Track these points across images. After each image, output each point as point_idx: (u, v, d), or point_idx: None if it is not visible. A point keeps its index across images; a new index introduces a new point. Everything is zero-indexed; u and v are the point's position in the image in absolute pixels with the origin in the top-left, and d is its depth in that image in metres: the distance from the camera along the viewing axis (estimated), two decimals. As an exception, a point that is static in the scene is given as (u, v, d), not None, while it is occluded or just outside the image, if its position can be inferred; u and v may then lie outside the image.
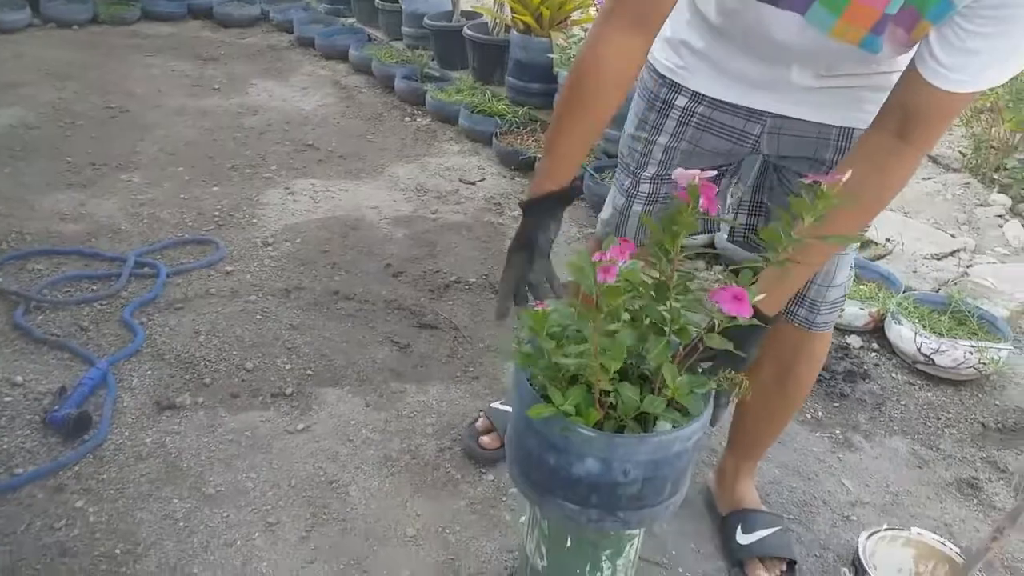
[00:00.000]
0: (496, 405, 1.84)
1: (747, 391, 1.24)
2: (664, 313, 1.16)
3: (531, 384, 1.20)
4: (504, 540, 1.59)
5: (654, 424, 1.20)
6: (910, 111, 1.17)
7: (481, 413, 1.85)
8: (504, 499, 1.70)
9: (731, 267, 1.63)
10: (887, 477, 1.87)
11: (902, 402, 2.16)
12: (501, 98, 3.93)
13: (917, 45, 1.16)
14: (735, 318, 1.08)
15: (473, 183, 3.35)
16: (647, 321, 1.19)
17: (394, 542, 1.57)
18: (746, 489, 1.68)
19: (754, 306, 1.12)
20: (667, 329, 1.16)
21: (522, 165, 3.44)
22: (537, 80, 3.81)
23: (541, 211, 1.29)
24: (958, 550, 1.35)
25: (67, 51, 4.65)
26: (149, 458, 1.72)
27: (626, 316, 1.20)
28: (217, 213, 2.89)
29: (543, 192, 1.28)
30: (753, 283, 1.13)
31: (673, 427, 1.17)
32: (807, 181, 1.08)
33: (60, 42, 4.81)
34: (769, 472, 1.84)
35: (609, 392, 1.17)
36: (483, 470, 1.77)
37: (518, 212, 3.11)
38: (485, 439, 1.80)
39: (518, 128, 3.70)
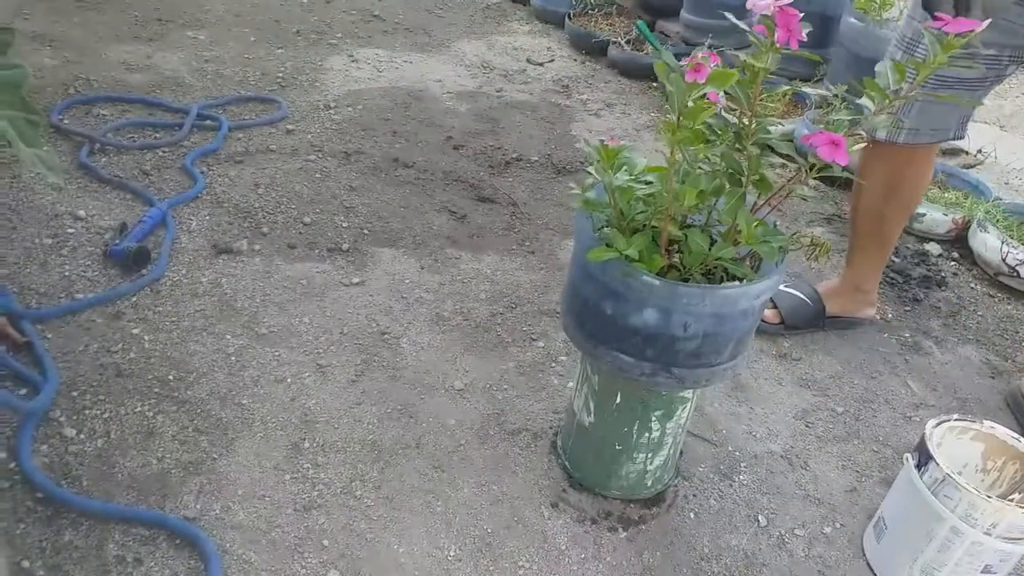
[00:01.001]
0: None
1: (826, 253, 1.16)
2: (742, 161, 1.08)
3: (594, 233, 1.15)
4: (551, 402, 1.57)
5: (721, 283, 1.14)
6: None
7: None
8: (553, 365, 1.67)
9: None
10: (956, 383, 1.79)
11: (979, 312, 2.05)
12: (577, -21, 3.74)
13: None
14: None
15: (541, 64, 3.23)
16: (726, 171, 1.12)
17: (441, 393, 1.55)
18: (848, 302, 1.85)
19: None
20: (744, 179, 1.08)
21: (594, 49, 3.29)
22: (617, -38, 3.61)
23: None
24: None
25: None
26: (204, 296, 1.73)
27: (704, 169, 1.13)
28: (281, 75, 2.84)
29: None
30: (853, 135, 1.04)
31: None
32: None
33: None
34: (831, 366, 1.77)
35: (676, 243, 1.11)
36: (534, 337, 1.74)
37: (586, 96, 3.00)
38: (768, 313, 1.81)
39: (593, 10, 3.54)
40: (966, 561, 1.20)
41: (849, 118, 1.04)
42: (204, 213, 2.01)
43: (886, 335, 1.91)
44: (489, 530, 1.30)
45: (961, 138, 1.59)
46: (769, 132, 1.07)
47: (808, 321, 1.81)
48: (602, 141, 1.12)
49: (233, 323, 1.66)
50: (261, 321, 1.68)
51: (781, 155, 1.42)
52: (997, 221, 2.17)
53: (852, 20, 2.68)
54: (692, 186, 1.04)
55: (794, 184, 1.07)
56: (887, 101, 1.01)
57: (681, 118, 1.00)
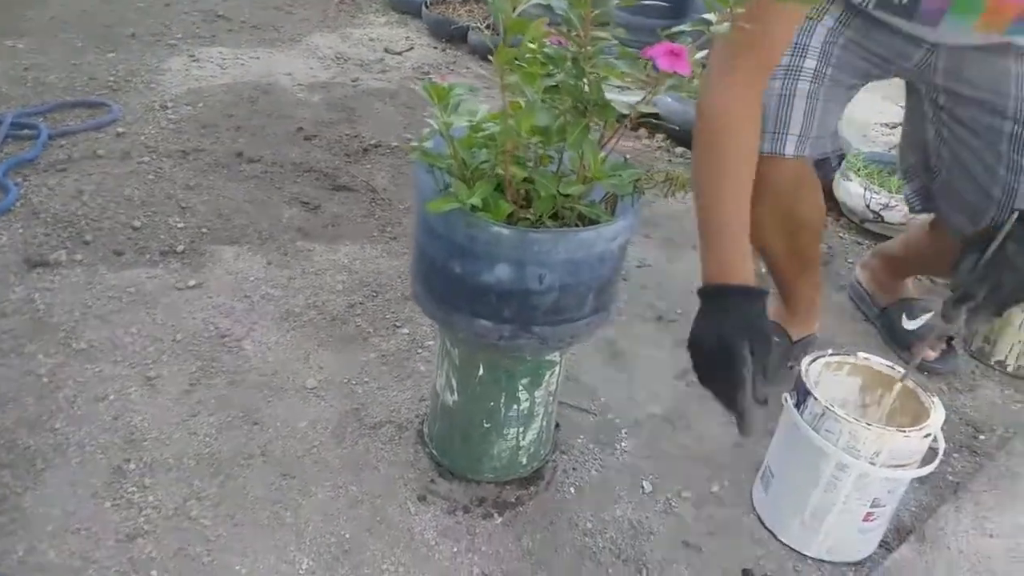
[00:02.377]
0: None
1: (682, 187, 1.08)
2: (587, 87, 0.98)
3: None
4: (417, 390, 1.43)
5: (574, 226, 1.04)
6: None
7: None
8: (420, 351, 1.54)
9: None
10: (831, 329, 1.76)
11: (848, 260, 2.05)
12: (431, -32, 3.64)
13: None
14: None
15: (400, 53, 3.10)
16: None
17: (291, 394, 1.39)
18: (902, 281, 1.75)
19: None
20: (589, 106, 0.98)
21: (454, 35, 3.19)
22: (470, -54, 3.52)
23: (733, 309, 1.05)
24: (903, 370, 1.24)
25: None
26: (13, 315, 1.51)
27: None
28: (112, 78, 2.60)
29: (733, 282, 1.06)
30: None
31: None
32: None
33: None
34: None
35: (526, 192, 1.00)
36: (398, 324, 1.61)
37: (448, 81, 2.89)
38: None
39: (450, -2, 3.44)
40: (854, 497, 1.13)
41: (691, 28, 0.96)
42: (17, 226, 1.78)
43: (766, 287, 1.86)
44: (347, 535, 1.15)
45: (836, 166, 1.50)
46: (608, 54, 0.97)
47: (785, 357, 1.57)
48: (431, 79, 1.00)
49: (46, 341, 1.45)
50: (80, 336, 1.47)
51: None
52: (859, 170, 2.18)
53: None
54: (525, 117, 0.93)
55: (643, 106, 0.97)
56: (728, 7, 0.92)
57: (508, 33, 0.88)
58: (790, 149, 1.29)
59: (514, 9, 0.87)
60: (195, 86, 2.61)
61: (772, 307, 1.64)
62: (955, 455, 1.46)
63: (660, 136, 2.57)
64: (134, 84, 2.58)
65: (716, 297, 1.08)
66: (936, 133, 1.40)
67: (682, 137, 2.50)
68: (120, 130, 2.26)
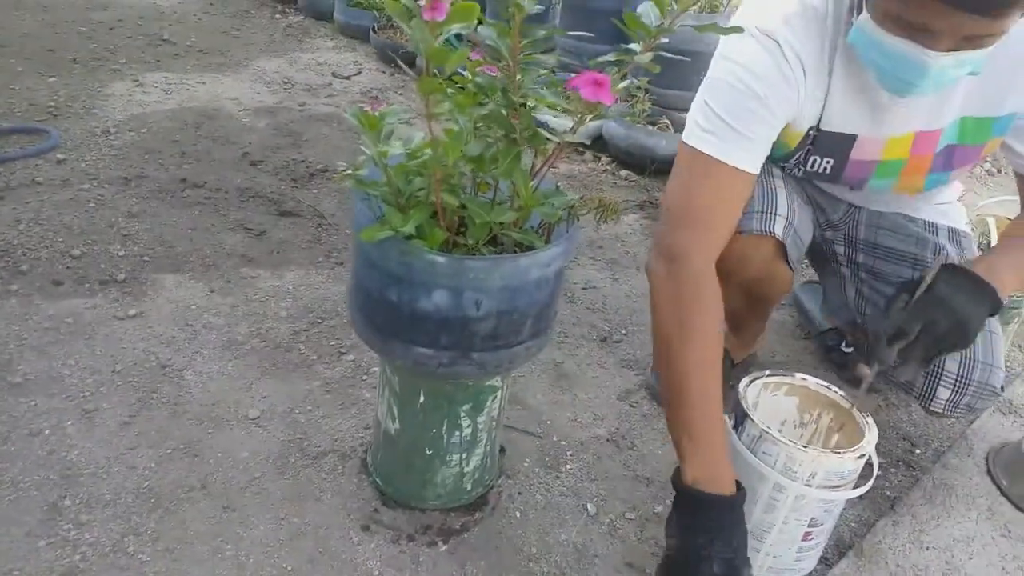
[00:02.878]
0: None
1: (614, 214, 1.10)
2: (512, 118, 0.99)
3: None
4: (362, 418, 1.43)
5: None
6: None
7: None
8: (365, 378, 1.53)
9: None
10: (773, 347, 1.79)
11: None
12: (380, -8, 3.66)
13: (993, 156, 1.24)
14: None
15: (347, 78, 3.10)
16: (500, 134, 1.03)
17: (233, 424, 1.38)
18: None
19: (984, 279, 1.16)
20: (519, 135, 1.00)
21: (401, 60, 3.20)
22: (418, -28, 3.55)
23: (705, 518, 1.02)
24: (840, 392, 1.27)
25: None
26: (-57, 349, 1.47)
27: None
28: (52, 103, 2.56)
29: (711, 490, 1.02)
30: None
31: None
32: None
33: None
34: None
35: (454, 209, 1.01)
36: (343, 351, 1.60)
37: (399, 104, 2.90)
38: None
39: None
40: (792, 518, 1.16)
41: (615, 60, 0.98)
42: (-52, 257, 1.74)
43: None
44: (289, 568, 1.13)
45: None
46: (535, 84, 0.99)
47: (725, 379, 1.53)
48: (360, 106, 1.00)
49: (-21, 375, 1.42)
50: (15, 369, 1.44)
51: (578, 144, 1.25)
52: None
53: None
54: (453, 146, 0.94)
55: (570, 136, 0.99)
56: (651, 37, 0.95)
57: (431, 62, 0.89)
58: (779, 229, 1.29)
59: (436, 38, 0.88)
60: (139, 111, 2.58)
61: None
62: (892, 470, 1.50)
63: (605, 159, 2.61)
64: (75, 109, 2.55)
65: (697, 504, 1.03)
66: (857, 292, 1.46)
67: (626, 160, 2.54)
68: (60, 156, 2.23)
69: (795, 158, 1.29)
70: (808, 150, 1.26)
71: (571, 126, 0.99)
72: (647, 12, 0.97)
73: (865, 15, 1.02)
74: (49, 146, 2.27)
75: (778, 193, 1.32)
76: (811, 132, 1.24)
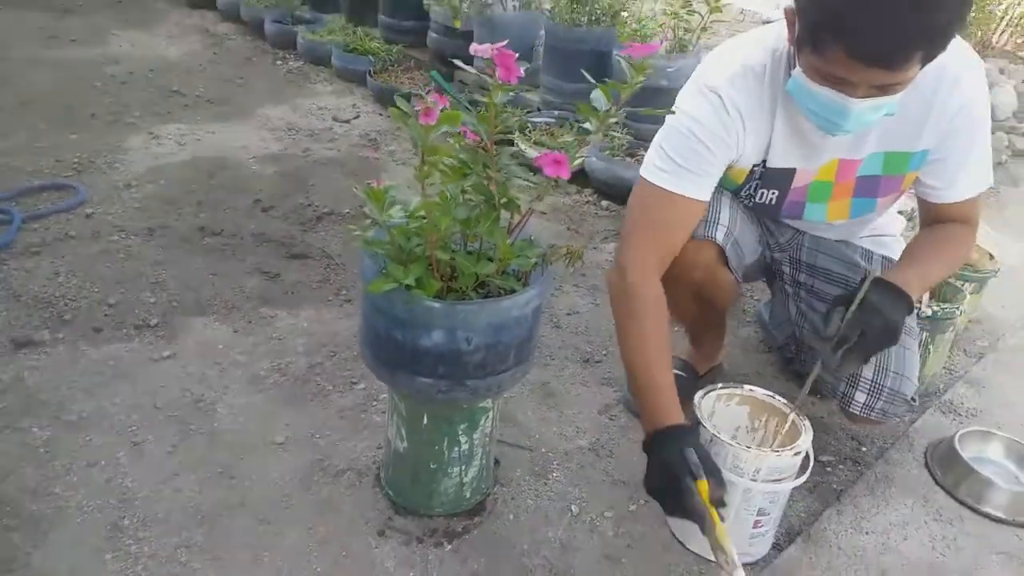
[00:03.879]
0: None
1: (579, 258, 1.31)
2: (491, 187, 1.21)
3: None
4: (373, 439, 1.63)
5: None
6: (944, 219, 1.49)
7: None
8: (375, 404, 1.74)
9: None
10: (738, 361, 2.00)
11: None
12: (374, 37, 3.90)
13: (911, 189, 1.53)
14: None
15: (347, 121, 3.33)
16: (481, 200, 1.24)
17: (262, 449, 1.59)
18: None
19: (903, 289, 1.36)
20: (496, 201, 1.21)
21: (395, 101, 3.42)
22: (410, 17, 3.80)
23: (669, 446, 1.29)
24: (783, 400, 1.47)
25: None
26: (5, 393, 1.68)
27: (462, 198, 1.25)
28: (76, 160, 2.78)
29: (663, 425, 1.31)
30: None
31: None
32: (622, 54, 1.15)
33: None
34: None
35: (446, 263, 1.22)
36: (355, 380, 1.81)
37: (393, 147, 3.12)
38: None
39: (393, 66, 3.68)
40: (743, 508, 1.36)
41: (573, 138, 1.19)
42: (1, 309, 1.95)
43: (678, 330, 2.10)
44: (319, 570, 1.34)
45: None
46: (510, 162, 1.20)
47: (691, 390, 1.68)
48: (369, 184, 1.22)
49: (39, 415, 1.63)
50: (69, 409, 1.65)
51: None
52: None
53: (619, 54, 2.96)
54: (444, 214, 1.16)
55: (536, 203, 1.21)
56: (601, 120, 1.17)
57: (425, 156, 1.11)
58: (720, 236, 1.52)
59: (428, 135, 1.10)
60: (155, 164, 2.80)
61: (685, 347, 1.88)
62: (840, 466, 1.70)
63: (588, 191, 2.83)
64: (98, 164, 2.77)
65: (655, 443, 1.31)
66: (797, 308, 1.69)
67: (607, 191, 2.76)
68: (89, 211, 2.44)
69: (744, 191, 1.53)
70: (756, 184, 1.50)
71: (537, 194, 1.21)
72: (598, 98, 1.19)
73: (799, 70, 1.26)
74: (77, 201, 2.49)
75: (723, 208, 1.55)
76: (756, 168, 1.47)
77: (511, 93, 1.17)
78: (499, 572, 1.37)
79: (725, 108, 1.37)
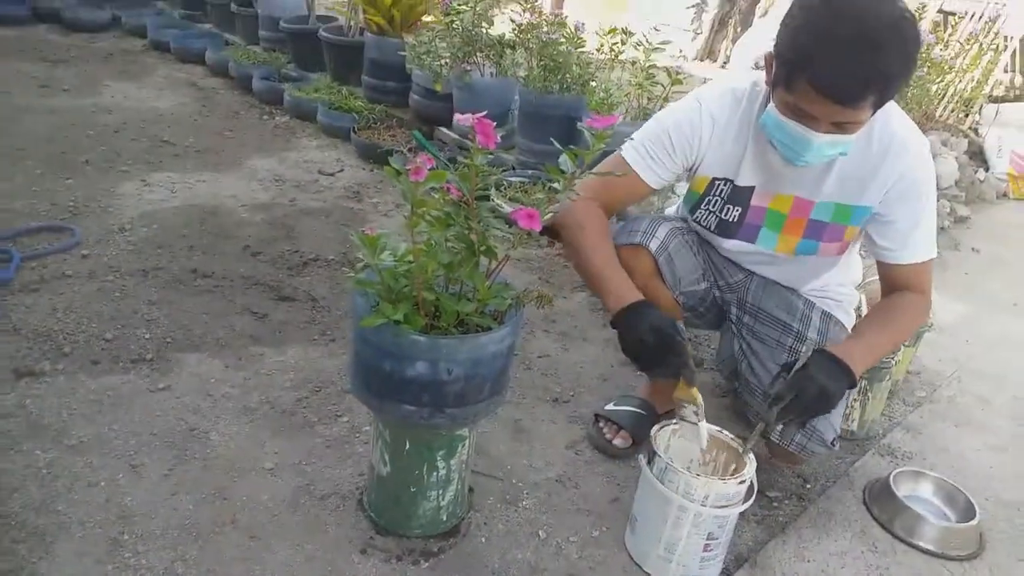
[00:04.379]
0: (609, 407, 1.97)
1: (549, 302, 1.47)
2: (472, 236, 1.37)
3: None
4: (357, 467, 1.76)
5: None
6: (898, 285, 1.69)
7: (599, 418, 1.95)
8: (358, 435, 1.86)
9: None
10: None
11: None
12: (358, 96, 4.10)
13: (854, 244, 1.78)
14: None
15: (332, 174, 3.50)
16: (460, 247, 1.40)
17: (253, 474, 1.70)
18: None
19: (838, 355, 1.55)
20: (476, 249, 1.37)
21: (380, 158, 3.61)
22: (392, 78, 4.00)
23: (645, 312, 1.56)
24: (732, 436, 1.63)
25: (-101, 51, 4.45)
26: (9, 418, 1.78)
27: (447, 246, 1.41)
28: (72, 203, 2.91)
29: (629, 301, 1.58)
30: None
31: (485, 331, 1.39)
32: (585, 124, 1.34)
33: None
34: (595, 403, 2.08)
35: (430, 302, 1.38)
36: (339, 413, 1.94)
37: (376, 199, 3.29)
38: (617, 441, 1.90)
39: (375, 124, 3.88)
40: (694, 532, 1.50)
41: (543, 195, 1.37)
42: (2, 342, 2.05)
43: (639, 374, 2.26)
44: (305, 582, 1.45)
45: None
46: (488, 215, 1.37)
47: (649, 428, 1.76)
48: (362, 231, 1.38)
49: (42, 439, 1.73)
50: (70, 433, 1.76)
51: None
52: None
53: (619, 118, 3.18)
54: (430, 259, 1.32)
55: (512, 251, 1.38)
56: (567, 181, 1.35)
57: (414, 208, 1.28)
58: (654, 246, 1.77)
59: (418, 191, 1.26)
60: (148, 209, 2.94)
61: (640, 386, 2.04)
62: (786, 501, 1.86)
63: (559, 244, 3.00)
64: (92, 208, 2.90)
65: (628, 315, 1.57)
66: (739, 346, 1.88)
67: (577, 246, 2.94)
68: (84, 252, 2.56)
69: (706, 205, 1.76)
70: (722, 200, 1.74)
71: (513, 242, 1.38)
72: (564, 162, 1.37)
73: (771, 105, 1.51)
74: (73, 243, 2.61)
75: (660, 227, 1.80)
76: (720, 183, 1.72)
77: (490, 156, 1.34)
78: (472, 588, 1.49)
79: (701, 113, 1.66)
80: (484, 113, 1.30)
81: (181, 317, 2.26)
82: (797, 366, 1.58)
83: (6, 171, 3.11)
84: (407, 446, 1.50)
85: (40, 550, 1.45)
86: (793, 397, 1.53)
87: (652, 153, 1.68)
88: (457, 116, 1.32)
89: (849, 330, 1.82)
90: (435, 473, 1.52)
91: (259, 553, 1.50)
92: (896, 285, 1.69)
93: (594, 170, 1.64)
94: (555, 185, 1.37)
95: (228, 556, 1.49)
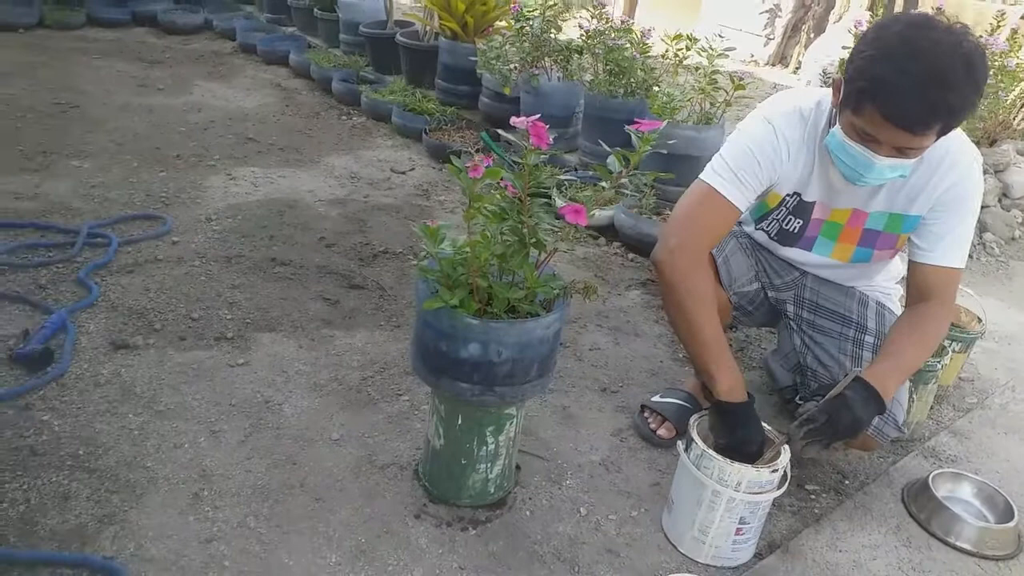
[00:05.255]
0: (656, 399, 2.06)
1: (594, 293, 1.58)
2: (524, 230, 1.49)
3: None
4: (414, 442, 1.89)
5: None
6: (927, 289, 1.72)
7: (645, 408, 2.05)
8: (416, 413, 2.00)
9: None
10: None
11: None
12: (431, 99, 4.27)
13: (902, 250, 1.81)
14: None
15: (403, 172, 3.67)
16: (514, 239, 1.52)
17: (320, 444, 1.86)
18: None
19: (874, 386, 1.60)
20: (526, 241, 1.49)
21: (449, 158, 3.76)
22: (464, 82, 4.15)
23: (746, 418, 1.67)
24: (769, 428, 1.70)
25: (13, 52, 4.84)
26: (106, 385, 1.98)
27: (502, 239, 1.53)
28: (164, 194, 3.14)
29: (739, 400, 1.67)
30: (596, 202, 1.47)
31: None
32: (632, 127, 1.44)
33: (5, 44, 4.99)
34: (643, 395, 2.17)
35: (484, 288, 1.50)
36: (400, 392, 2.08)
37: (443, 197, 3.44)
38: (662, 431, 2.00)
39: (446, 125, 4.04)
40: (727, 516, 1.58)
41: (589, 193, 1.47)
42: (101, 317, 2.27)
43: (687, 368, 2.34)
44: (364, 540, 1.59)
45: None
46: (539, 210, 1.48)
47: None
48: (425, 223, 1.51)
49: (134, 404, 1.92)
50: (159, 401, 1.94)
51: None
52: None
53: (665, 122, 3.26)
54: (484, 248, 1.44)
55: (559, 243, 1.48)
56: (613, 180, 1.45)
57: (471, 202, 1.40)
58: (713, 250, 1.87)
59: (476, 186, 1.39)
60: (233, 202, 3.15)
61: (690, 382, 2.12)
62: (824, 495, 1.91)
63: (616, 244, 3.10)
64: (182, 199, 3.13)
65: (735, 411, 1.66)
66: (801, 340, 1.95)
67: (634, 245, 3.03)
68: (175, 239, 2.78)
69: (773, 216, 1.84)
70: (787, 212, 1.82)
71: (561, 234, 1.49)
72: (612, 163, 1.47)
73: (837, 127, 1.59)
74: (165, 230, 2.83)
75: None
76: (789, 199, 1.80)
77: (543, 156, 1.45)
78: (514, 555, 1.61)
79: (776, 136, 1.71)
80: (537, 116, 1.41)
81: (260, 301, 2.45)
82: (834, 391, 1.63)
83: (105, 164, 3.38)
84: (459, 421, 1.62)
85: (131, 500, 1.63)
86: (825, 420, 1.60)
87: (740, 177, 1.69)
88: (513, 119, 1.43)
89: None
90: (484, 448, 1.64)
91: (323, 513, 1.65)
92: (924, 288, 1.73)
93: (679, 206, 1.76)
94: (602, 183, 1.48)
95: (295, 514, 1.64)
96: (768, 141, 1.70)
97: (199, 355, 2.15)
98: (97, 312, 2.29)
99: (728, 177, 1.70)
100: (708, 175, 1.73)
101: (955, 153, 1.66)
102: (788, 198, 1.80)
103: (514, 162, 1.60)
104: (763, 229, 1.89)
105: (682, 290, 1.68)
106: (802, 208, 1.80)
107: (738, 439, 1.64)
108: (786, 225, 1.83)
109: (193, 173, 3.40)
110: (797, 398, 2.18)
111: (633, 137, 1.44)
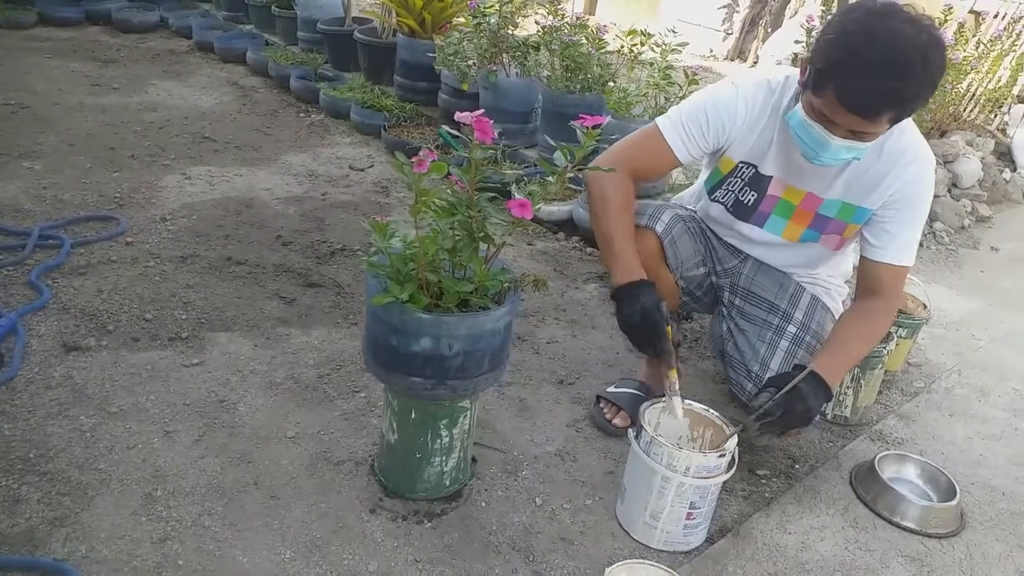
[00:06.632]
0: (611, 389, 2.08)
1: (544, 286, 1.60)
2: (472, 224, 1.50)
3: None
4: (371, 437, 1.90)
5: (472, 311, 1.54)
6: (875, 284, 1.79)
7: (600, 399, 2.07)
8: (373, 409, 2.01)
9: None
10: (697, 390, 2.27)
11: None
12: (390, 95, 4.26)
13: (850, 242, 1.88)
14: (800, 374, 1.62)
15: (362, 169, 3.66)
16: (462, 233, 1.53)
17: (276, 441, 1.86)
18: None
19: (823, 376, 1.66)
20: (475, 235, 1.50)
21: (409, 154, 3.75)
22: (422, 79, 4.15)
23: (642, 294, 1.70)
24: (717, 414, 1.73)
25: (-38, 52, 4.73)
26: (57, 387, 1.96)
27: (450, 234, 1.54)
28: (118, 195, 3.10)
29: (633, 279, 1.72)
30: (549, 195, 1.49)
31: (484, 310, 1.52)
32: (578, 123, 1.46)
33: (-46, 43, 4.88)
34: (599, 387, 2.19)
35: (434, 283, 1.51)
36: (357, 389, 2.08)
37: (403, 194, 3.44)
38: (617, 421, 2.01)
39: (405, 122, 4.03)
40: (677, 502, 1.62)
41: (536, 188, 1.49)
42: (52, 319, 2.24)
43: (642, 359, 2.37)
44: (319, 536, 1.60)
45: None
46: (487, 204, 1.49)
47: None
48: (374, 218, 1.52)
49: (86, 406, 1.90)
50: (112, 402, 1.93)
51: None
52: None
53: (608, 118, 3.29)
54: (435, 243, 1.45)
55: (507, 237, 1.50)
56: (559, 175, 1.47)
57: (417, 197, 1.41)
58: (659, 228, 1.90)
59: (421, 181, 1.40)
60: (189, 201, 3.12)
61: (644, 371, 2.15)
62: (774, 479, 1.95)
63: (575, 238, 3.13)
64: (136, 200, 3.09)
65: (628, 290, 1.71)
66: (727, 327, 1.99)
67: (592, 239, 3.05)
68: (129, 240, 2.75)
69: (727, 185, 1.89)
70: (743, 184, 1.87)
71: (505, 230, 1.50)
72: (558, 157, 1.49)
73: (799, 105, 1.64)
74: (119, 231, 2.80)
75: (665, 212, 1.92)
76: (743, 166, 1.84)
77: (490, 151, 1.47)
78: (469, 546, 1.62)
79: (737, 97, 1.78)
80: (481, 112, 1.43)
81: (215, 300, 2.43)
82: (789, 386, 1.67)
83: (58, 165, 3.33)
84: (413, 415, 1.63)
85: (83, 502, 1.62)
86: (781, 413, 1.65)
87: (686, 127, 1.79)
88: (458, 114, 1.45)
89: (836, 315, 1.93)
90: (439, 441, 1.65)
91: (277, 510, 1.65)
92: (874, 283, 1.79)
93: (626, 137, 1.84)
94: (549, 178, 1.49)
95: (249, 512, 1.64)
96: (727, 102, 1.77)
97: (153, 356, 2.13)
98: (48, 314, 2.26)
99: (675, 123, 1.80)
100: (660, 118, 1.84)
101: (916, 149, 1.73)
102: (743, 166, 1.84)
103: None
104: (718, 201, 1.92)
105: (597, 195, 1.78)
106: (758, 180, 1.84)
107: (625, 315, 1.71)
108: (741, 196, 1.88)
109: (148, 173, 3.36)
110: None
111: (578, 132, 1.46)
